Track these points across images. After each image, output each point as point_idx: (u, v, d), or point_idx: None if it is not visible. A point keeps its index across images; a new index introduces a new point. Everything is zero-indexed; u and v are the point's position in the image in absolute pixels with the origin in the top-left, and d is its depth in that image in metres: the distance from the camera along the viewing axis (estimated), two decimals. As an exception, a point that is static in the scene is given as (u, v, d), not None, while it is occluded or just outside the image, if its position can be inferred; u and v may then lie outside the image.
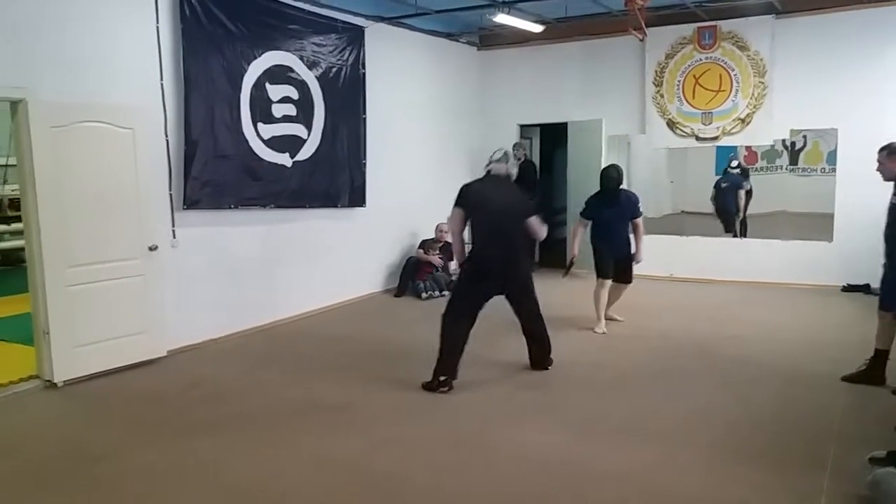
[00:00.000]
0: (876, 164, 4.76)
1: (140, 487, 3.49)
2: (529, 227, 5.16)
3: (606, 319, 6.56)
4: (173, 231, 5.95)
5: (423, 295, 8.20)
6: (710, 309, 7.48)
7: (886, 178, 4.74)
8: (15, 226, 9.58)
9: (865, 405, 4.49)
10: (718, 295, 8.22)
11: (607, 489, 3.44)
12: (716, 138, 9.01)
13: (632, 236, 6.62)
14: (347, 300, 7.98)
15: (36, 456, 3.93)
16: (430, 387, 4.88)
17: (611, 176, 6.44)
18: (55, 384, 5.02)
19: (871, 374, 4.85)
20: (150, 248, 5.61)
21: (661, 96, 9.14)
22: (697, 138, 9.07)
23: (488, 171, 5.24)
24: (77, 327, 5.12)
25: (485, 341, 5.57)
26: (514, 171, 5.29)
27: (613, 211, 6.40)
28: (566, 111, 9.74)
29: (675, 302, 7.82)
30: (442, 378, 4.86)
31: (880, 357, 4.84)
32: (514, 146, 9.52)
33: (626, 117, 9.42)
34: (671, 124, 9.14)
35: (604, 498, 3.37)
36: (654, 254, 9.07)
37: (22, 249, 8.35)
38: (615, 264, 6.42)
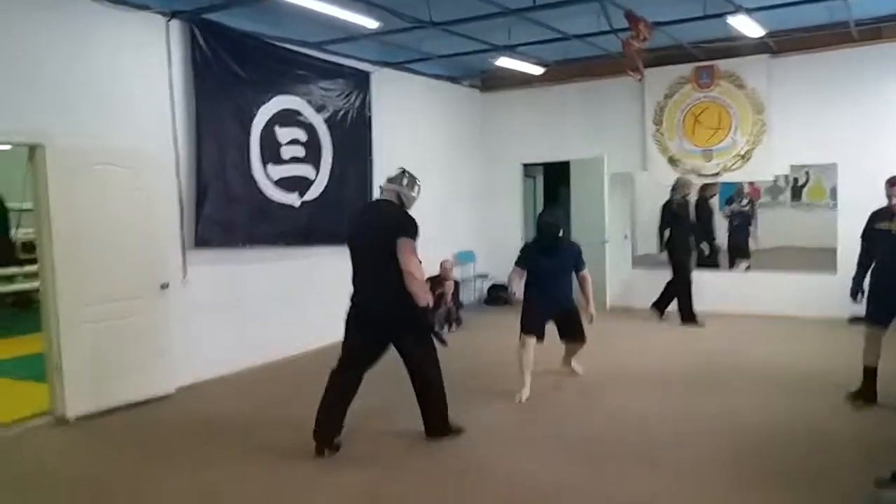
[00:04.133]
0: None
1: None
2: (399, 253, 4.10)
3: (567, 369, 6.08)
4: (184, 269, 6.09)
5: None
6: (716, 341, 7.50)
7: None
8: (28, 268, 9.75)
9: (873, 430, 4.54)
10: (726, 327, 8.22)
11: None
12: (717, 174, 9.14)
13: (577, 289, 5.86)
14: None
15: (53, 488, 4.02)
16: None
17: (546, 222, 5.67)
18: (67, 419, 5.11)
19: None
20: (162, 286, 5.73)
21: (662, 134, 9.32)
22: (698, 175, 9.20)
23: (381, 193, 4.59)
24: (89, 363, 5.22)
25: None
26: (413, 195, 4.46)
27: (552, 262, 5.62)
28: (568, 150, 9.91)
29: (682, 334, 7.89)
30: (316, 443, 4.26)
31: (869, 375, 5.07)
32: (675, 185, 8.56)
33: (628, 155, 9.59)
34: (672, 161, 9.30)
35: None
36: (658, 288, 9.19)
37: (34, 292, 8.56)
38: (558, 322, 5.71)
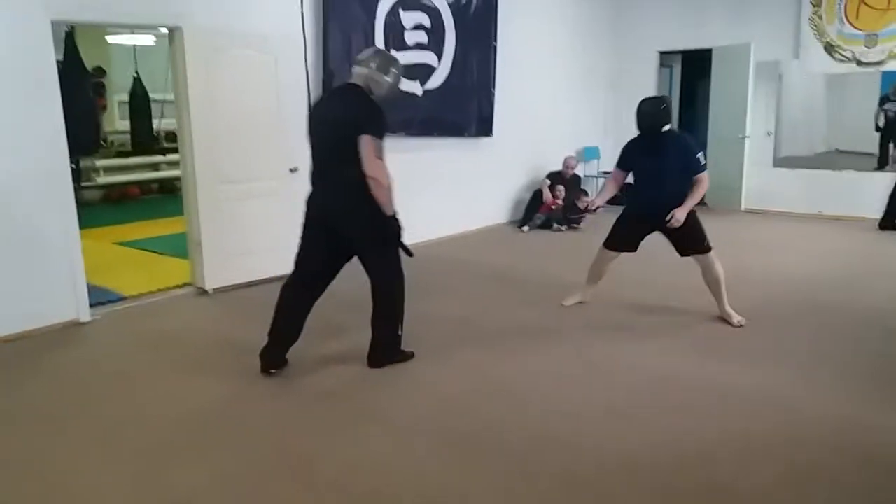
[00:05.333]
0: None
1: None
2: (361, 153, 3.43)
3: (722, 318, 4.71)
4: (311, 154, 6.19)
5: (548, 227, 8.15)
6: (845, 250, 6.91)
7: None
8: (171, 156, 10.40)
9: None
10: (861, 234, 7.52)
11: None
12: (881, 62, 8.15)
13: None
14: (471, 230, 8.04)
15: (194, 346, 4.38)
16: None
17: (645, 112, 4.55)
18: (206, 291, 5.47)
19: None
20: (291, 170, 5.87)
21: (820, 17, 8.36)
22: (859, 63, 8.25)
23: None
24: (226, 240, 5.50)
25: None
26: (386, 81, 3.66)
27: (655, 161, 4.57)
28: (711, 36, 9.14)
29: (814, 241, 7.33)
30: (262, 362, 3.81)
31: None
32: None
33: (778, 41, 8.71)
34: (829, 48, 8.35)
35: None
36: (801, 190, 8.52)
37: (177, 179, 9.11)
38: (668, 234, 4.66)
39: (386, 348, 3.89)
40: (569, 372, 3.88)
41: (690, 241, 4.63)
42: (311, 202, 3.76)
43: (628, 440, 3.06)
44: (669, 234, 4.63)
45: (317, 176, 3.72)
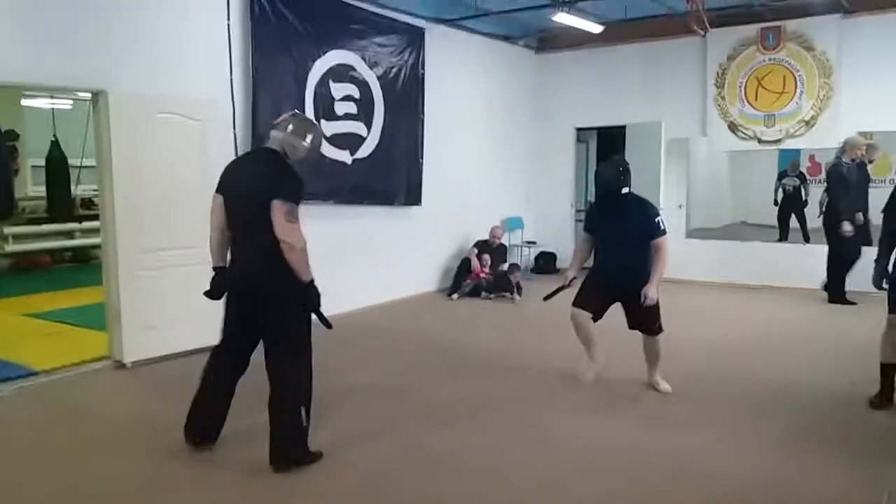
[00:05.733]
0: None
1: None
2: (273, 218, 3.27)
3: (652, 385, 4.76)
4: (238, 222, 6.12)
5: (476, 295, 8.24)
6: (771, 312, 7.29)
7: None
8: (86, 224, 10.04)
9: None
10: (771, 302, 7.96)
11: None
12: (778, 141, 8.81)
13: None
14: (400, 297, 8.03)
15: (112, 423, 4.16)
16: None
17: (602, 176, 4.53)
18: (124, 364, 5.22)
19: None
20: (217, 238, 5.77)
21: (723, 98, 9.00)
22: (759, 141, 8.88)
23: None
24: (146, 310, 5.31)
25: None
26: (302, 145, 3.52)
27: (615, 225, 4.50)
28: (624, 114, 9.67)
29: (727, 309, 7.69)
30: (188, 437, 3.67)
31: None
32: (844, 146, 7.54)
33: (686, 120, 9.30)
34: (733, 127, 8.98)
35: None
36: (712, 260, 9.02)
37: (92, 248, 8.76)
38: (624, 304, 4.57)
39: (291, 442, 3.48)
40: (502, 441, 3.88)
41: (645, 319, 4.53)
42: (230, 272, 3.59)
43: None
44: (628, 306, 4.53)
45: (235, 244, 3.57)
